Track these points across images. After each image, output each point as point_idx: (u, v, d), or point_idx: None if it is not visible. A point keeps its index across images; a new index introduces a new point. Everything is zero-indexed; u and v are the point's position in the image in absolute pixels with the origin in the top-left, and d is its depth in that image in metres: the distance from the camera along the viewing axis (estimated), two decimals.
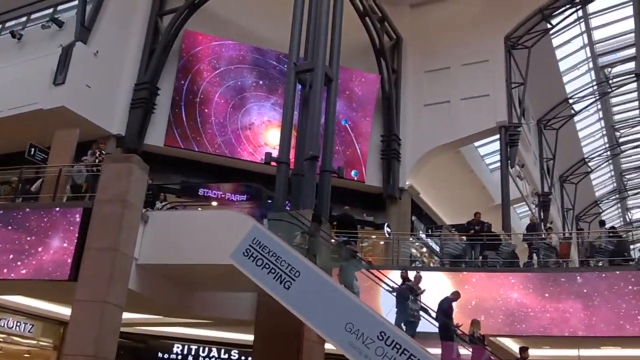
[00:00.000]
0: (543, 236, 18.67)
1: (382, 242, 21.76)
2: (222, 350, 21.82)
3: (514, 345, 17.48)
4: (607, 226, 21.04)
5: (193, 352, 21.65)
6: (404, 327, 12.58)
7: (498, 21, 24.85)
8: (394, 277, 14.00)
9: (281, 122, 18.27)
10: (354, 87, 24.63)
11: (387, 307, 13.46)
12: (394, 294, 13.43)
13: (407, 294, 12.84)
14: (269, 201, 17.43)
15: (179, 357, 21.54)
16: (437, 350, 12.17)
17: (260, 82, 23.46)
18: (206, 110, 22.41)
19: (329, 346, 13.44)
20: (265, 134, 23.07)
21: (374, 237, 22.57)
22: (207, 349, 21.72)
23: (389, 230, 22.94)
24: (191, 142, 21.90)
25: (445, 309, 12.69)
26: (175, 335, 21.08)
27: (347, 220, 18.12)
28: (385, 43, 24.66)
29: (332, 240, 14.31)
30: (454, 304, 13.20)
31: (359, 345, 10.50)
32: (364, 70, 24.71)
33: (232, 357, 21.86)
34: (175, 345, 21.53)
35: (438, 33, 25.70)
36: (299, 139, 17.59)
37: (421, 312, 12.91)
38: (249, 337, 15.41)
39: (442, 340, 12.28)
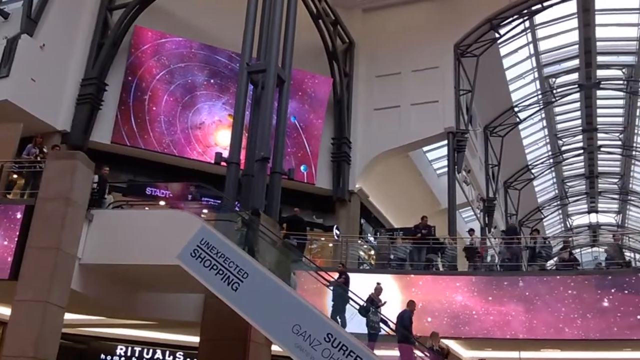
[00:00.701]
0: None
1: (330, 244, 21.86)
2: (167, 352, 21.55)
3: (457, 347, 17.83)
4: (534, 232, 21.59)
5: (137, 354, 21.30)
6: (339, 321, 12.73)
7: (448, 29, 25.31)
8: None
9: (232, 122, 18.15)
10: (306, 89, 24.66)
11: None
12: (331, 287, 13.56)
13: (368, 306, 12.87)
14: (202, 199, 17.38)
15: (122, 358, 21.16)
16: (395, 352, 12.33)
17: (212, 80, 23.24)
18: (154, 108, 22.04)
19: (275, 348, 13.43)
20: (215, 134, 22.86)
21: (323, 239, 22.66)
22: (151, 351, 21.41)
23: (337, 232, 23.06)
24: (138, 140, 21.48)
25: (406, 323, 12.71)
26: (119, 337, 20.71)
27: (297, 221, 18.14)
28: (337, 46, 24.80)
29: (271, 234, 14.17)
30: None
31: (306, 347, 10.54)
32: (316, 72, 24.79)
33: (177, 359, 21.61)
34: (119, 347, 21.15)
35: (390, 38, 26.01)
36: (250, 140, 17.50)
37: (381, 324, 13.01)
38: (195, 339, 15.28)
39: (400, 343, 12.42)
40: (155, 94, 22.17)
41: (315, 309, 11.28)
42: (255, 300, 11.24)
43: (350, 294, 13.23)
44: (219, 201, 18.19)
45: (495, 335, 16.04)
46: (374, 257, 23.27)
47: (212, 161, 18.70)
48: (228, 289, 11.31)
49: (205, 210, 17.11)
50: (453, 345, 17.47)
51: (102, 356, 20.97)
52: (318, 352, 10.47)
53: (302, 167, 23.80)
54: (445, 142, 24.71)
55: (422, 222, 18.86)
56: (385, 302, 13.65)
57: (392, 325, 12.69)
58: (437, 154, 29.67)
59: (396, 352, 12.46)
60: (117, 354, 21.13)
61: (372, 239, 24.88)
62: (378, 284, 14.07)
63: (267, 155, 16.84)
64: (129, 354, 21.22)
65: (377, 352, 12.13)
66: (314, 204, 24.51)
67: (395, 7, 26.29)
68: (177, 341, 20.83)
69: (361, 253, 21.31)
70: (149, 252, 12.39)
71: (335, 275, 14.62)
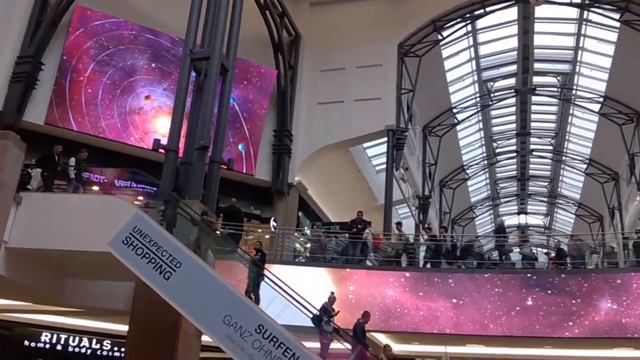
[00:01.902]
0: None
1: (267, 236, 21.85)
2: (94, 340, 21.13)
3: (387, 341, 18.17)
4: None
5: (62, 341, 20.81)
6: (252, 297, 12.85)
7: (393, 28, 25.64)
8: (277, 270, 14.10)
9: (172, 109, 17.85)
10: (251, 79, 24.50)
11: (266, 300, 13.53)
12: (247, 264, 13.75)
13: (322, 316, 12.92)
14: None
15: (47, 345, 20.63)
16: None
17: (153, 64, 22.76)
18: (90, 91, 21.40)
19: (206, 338, 13.35)
20: (154, 121, 22.43)
21: (259, 230, 22.63)
22: (77, 339, 20.97)
23: (275, 224, 23.08)
24: (71, 122, 20.82)
25: (360, 334, 13.02)
26: (44, 323, 20.15)
27: (234, 212, 18.05)
28: (283, 38, 24.72)
29: (191, 212, 14.01)
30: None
31: (237, 338, 10.54)
32: (261, 63, 24.65)
33: (104, 347, 21.23)
34: (44, 334, 20.59)
35: (335, 33, 26.14)
36: (190, 128, 17.25)
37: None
38: (123, 327, 15.02)
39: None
40: (93, 76, 21.55)
41: (248, 300, 11.29)
42: (187, 290, 11.15)
43: (265, 272, 13.35)
44: (155, 189, 17.88)
45: (423, 330, 16.45)
46: (308, 250, 23.51)
47: (150, 148, 18.35)
48: (160, 278, 11.18)
49: (140, 197, 16.82)
50: (383, 339, 17.83)
51: (26, 342, 20.37)
52: (248, 343, 10.49)
53: (240, 146, 23.61)
54: (385, 139, 25.06)
55: (358, 217, 19.11)
56: (338, 312, 13.76)
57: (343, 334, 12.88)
58: (377, 151, 30.04)
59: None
60: (42, 340, 20.57)
61: (308, 232, 25.00)
62: (332, 293, 14.17)
63: (207, 144, 16.64)
64: (54, 340, 20.69)
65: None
66: (253, 195, 24.45)
67: (343, 2, 26.45)
68: (105, 329, 20.45)
69: (297, 246, 21.39)
70: (79, 237, 12.09)
71: (271, 267, 14.65)
